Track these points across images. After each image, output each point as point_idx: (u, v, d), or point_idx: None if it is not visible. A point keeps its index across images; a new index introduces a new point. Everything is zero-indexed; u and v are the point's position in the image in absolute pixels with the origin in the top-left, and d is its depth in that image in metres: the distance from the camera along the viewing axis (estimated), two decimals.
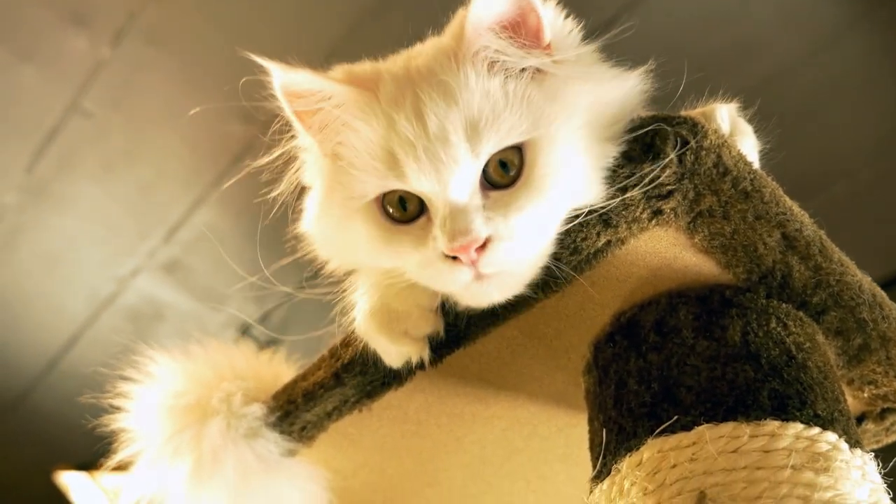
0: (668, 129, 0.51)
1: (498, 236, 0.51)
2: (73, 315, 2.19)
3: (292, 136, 0.61)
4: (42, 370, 2.33)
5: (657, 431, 0.51)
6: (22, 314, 2.20)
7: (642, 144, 0.51)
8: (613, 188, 0.52)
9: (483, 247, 0.51)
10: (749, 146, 0.57)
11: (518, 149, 0.52)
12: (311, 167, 0.60)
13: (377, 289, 0.58)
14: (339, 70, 0.58)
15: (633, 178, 0.51)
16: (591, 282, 0.57)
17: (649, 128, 0.51)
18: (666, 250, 0.56)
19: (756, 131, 0.61)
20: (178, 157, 1.87)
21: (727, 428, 0.49)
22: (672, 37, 1.62)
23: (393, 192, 0.54)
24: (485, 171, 0.52)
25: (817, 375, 0.54)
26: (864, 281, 0.58)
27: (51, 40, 1.65)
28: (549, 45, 0.54)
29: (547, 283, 0.56)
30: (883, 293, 0.60)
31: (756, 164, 0.56)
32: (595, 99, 0.53)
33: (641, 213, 0.52)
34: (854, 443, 0.51)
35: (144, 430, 0.69)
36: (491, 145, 0.51)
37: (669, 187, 0.51)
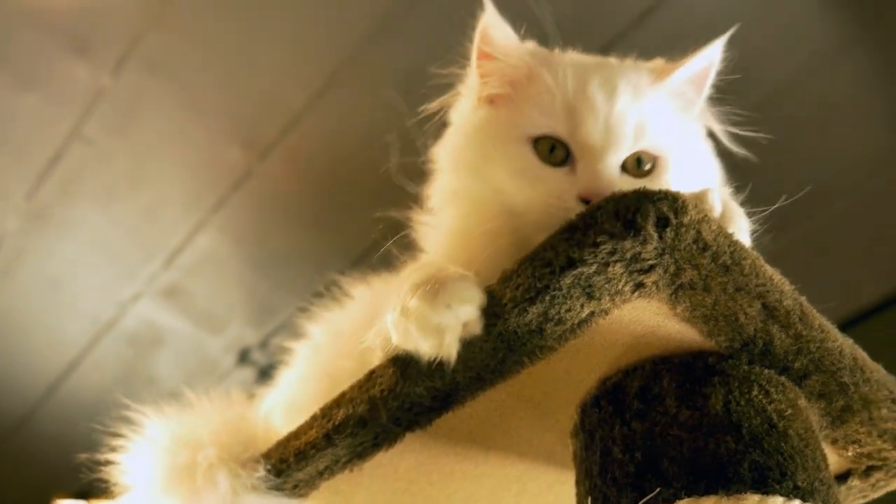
0: (649, 205, 0.52)
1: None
2: (74, 340, 2.20)
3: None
4: (42, 395, 2.34)
5: (640, 503, 0.52)
6: (22, 339, 2.22)
7: (624, 221, 0.52)
8: (596, 263, 0.53)
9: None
10: (741, 228, 0.59)
11: (654, 157, 0.65)
12: (465, 100, 0.72)
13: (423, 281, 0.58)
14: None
15: (615, 255, 0.52)
16: (577, 348, 0.58)
17: (630, 204, 0.52)
18: (649, 319, 0.56)
19: (743, 206, 0.61)
20: (179, 183, 1.88)
21: (708, 502, 0.50)
22: (669, 58, 1.63)
23: (549, 138, 0.64)
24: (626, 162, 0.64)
25: (798, 444, 0.54)
26: (845, 345, 0.59)
27: (52, 68, 1.67)
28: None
29: (532, 351, 0.57)
30: (864, 356, 0.61)
31: (748, 245, 0.57)
32: (704, 149, 0.70)
33: (624, 286, 0.53)
34: None
35: (143, 485, 0.70)
36: (643, 145, 0.64)
37: (651, 262, 0.52)
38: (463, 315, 0.56)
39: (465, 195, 0.69)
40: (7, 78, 1.69)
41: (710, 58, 0.70)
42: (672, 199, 0.52)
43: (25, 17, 1.61)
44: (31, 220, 1.95)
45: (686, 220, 0.52)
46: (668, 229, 0.52)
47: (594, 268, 0.53)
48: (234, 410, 0.75)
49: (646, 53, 1.66)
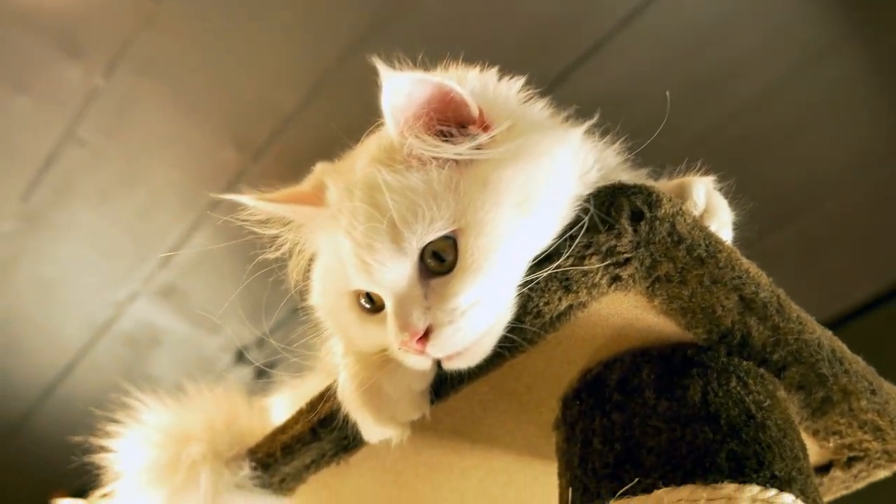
0: (624, 199, 0.52)
1: (438, 323, 0.53)
2: (70, 341, 2.20)
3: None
4: (39, 397, 2.34)
5: (619, 493, 0.52)
6: (19, 341, 2.22)
7: (598, 215, 0.53)
8: (572, 256, 0.53)
9: (426, 336, 0.53)
10: (724, 220, 0.59)
11: (452, 238, 0.54)
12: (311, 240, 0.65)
13: (365, 364, 0.59)
14: (289, 190, 0.64)
15: (591, 248, 0.52)
16: (557, 341, 0.59)
17: (605, 198, 0.53)
18: (627, 312, 0.57)
19: (729, 200, 0.61)
20: (173, 184, 1.88)
21: (685, 492, 0.50)
22: (657, 59, 1.63)
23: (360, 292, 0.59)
24: (426, 262, 0.54)
25: (776, 434, 0.55)
26: (824, 337, 0.60)
27: (45, 71, 1.68)
28: (481, 118, 0.55)
29: (514, 345, 0.58)
30: (843, 347, 0.61)
31: (729, 238, 0.58)
32: (528, 177, 0.54)
33: (601, 279, 0.54)
34: (812, 502, 0.52)
35: (129, 476, 0.71)
36: (415, 242, 0.54)
37: (626, 255, 0.53)
38: (409, 418, 0.58)
39: None
40: None
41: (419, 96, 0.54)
42: (647, 192, 0.53)
43: (17, 19, 1.61)
44: (27, 222, 1.95)
45: (660, 213, 0.52)
46: (642, 223, 0.52)
47: (570, 261, 0.53)
48: (230, 405, 0.76)
49: (634, 54, 1.66)
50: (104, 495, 0.74)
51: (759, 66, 1.64)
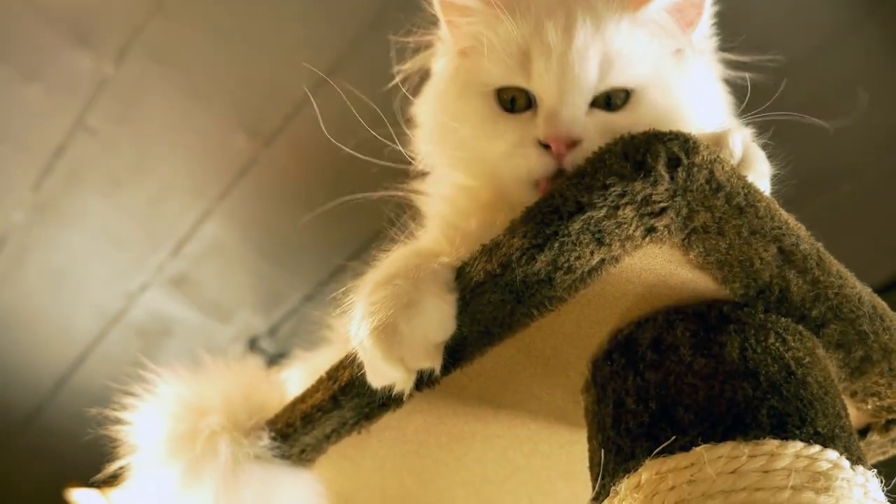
0: (660, 145, 0.50)
1: (590, 141, 0.57)
2: (82, 332, 2.20)
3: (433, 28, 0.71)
4: (52, 387, 2.34)
5: (655, 452, 0.50)
6: (31, 332, 2.22)
7: (633, 162, 0.50)
8: (605, 206, 0.51)
9: (573, 145, 0.58)
10: (762, 171, 0.57)
11: (628, 91, 0.61)
12: (441, 57, 0.69)
13: (384, 304, 0.57)
14: None
15: (625, 197, 0.50)
16: (587, 300, 0.57)
17: (640, 145, 0.51)
18: (661, 267, 0.55)
19: (769, 156, 0.60)
20: (184, 172, 1.88)
21: (725, 448, 0.48)
22: None
23: (510, 88, 0.62)
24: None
25: (817, 391, 0.53)
26: (864, 292, 0.57)
27: (55, 59, 1.67)
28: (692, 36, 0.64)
29: (542, 302, 0.56)
30: (883, 304, 0.59)
31: (767, 191, 0.56)
32: (698, 86, 0.64)
33: (635, 231, 0.52)
34: (856, 460, 0.50)
35: (147, 448, 0.69)
36: (612, 80, 0.60)
37: (662, 205, 0.51)
38: (418, 365, 0.56)
39: (446, 155, 0.67)
40: (9, 69, 1.68)
41: None
42: (683, 139, 0.51)
43: (27, 8, 1.60)
44: (38, 212, 1.95)
45: (698, 160, 0.50)
46: (679, 169, 0.50)
47: (604, 212, 0.51)
48: (248, 377, 0.74)
49: None
50: (119, 471, 0.72)
51: (780, 45, 1.62)
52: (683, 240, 0.52)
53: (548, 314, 0.57)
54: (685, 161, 0.50)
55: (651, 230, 0.52)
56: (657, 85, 0.61)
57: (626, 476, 0.51)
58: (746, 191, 0.52)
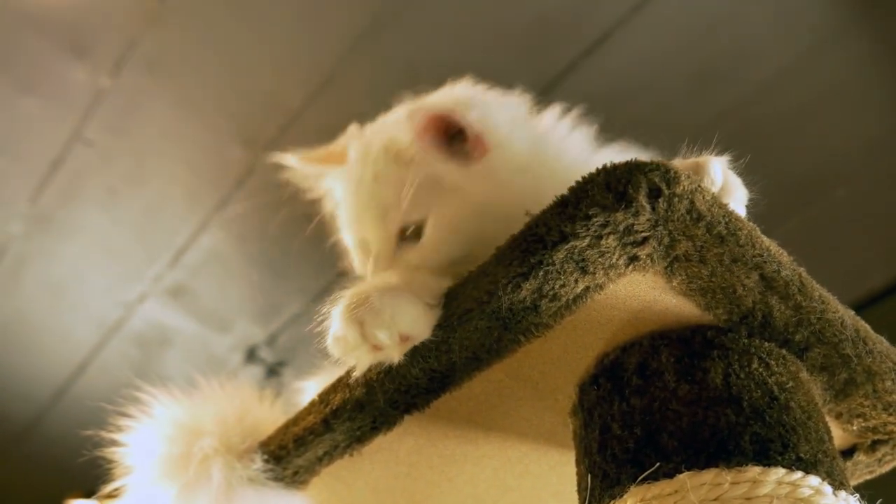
0: (641, 176, 0.51)
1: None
2: (81, 342, 2.21)
3: None
4: (51, 398, 2.35)
5: (640, 479, 0.51)
6: (30, 343, 2.22)
7: (615, 193, 0.51)
8: (588, 236, 0.52)
9: None
10: (740, 198, 0.59)
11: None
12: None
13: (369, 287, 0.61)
14: (324, 150, 0.79)
15: (608, 227, 0.51)
16: (573, 325, 0.58)
17: (621, 175, 0.52)
18: (645, 294, 0.56)
19: (739, 171, 0.61)
20: (181, 183, 1.88)
21: (709, 475, 0.49)
22: (666, 47, 1.62)
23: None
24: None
25: (800, 416, 0.54)
26: (847, 316, 0.58)
27: (51, 71, 1.68)
28: (480, 144, 0.67)
29: (528, 329, 0.57)
30: (866, 326, 0.60)
31: (743, 215, 0.56)
32: (494, 187, 0.67)
33: (618, 260, 0.53)
34: (838, 485, 0.51)
35: (141, 469, 0.70)
36: (393, 222, 0.68)
37: (644, 234, 0.51)
38: (374, 332, 0.57)
39: None
40: (6, 82, 1.69)
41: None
42: (664, 169, 0.51)
43: (23, 20, 1.61)
44: (35, 223, 1.96)
45: (679, 190, 0.51)
46: (660, 200, 0.51)
47: (587, 241, 0.52)
48: (241, 399, 0.75)
49: (643, 42, 1.64)
50: (116, 489, 0.73)
51: (767, 53, 1.63)
52: (666, 268, 0.53)
53: (535, 340, 0.57)
54: (666, 192, 0.51)
55: (634, 259, 0.53)
56: (434, 210, 0.68)
57: (612, 502, 0.52)
58: (727, 219, 0.53)
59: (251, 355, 2.21)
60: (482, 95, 0.72)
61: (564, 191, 0.54)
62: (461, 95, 0.71)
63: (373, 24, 1.56)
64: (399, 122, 0.70)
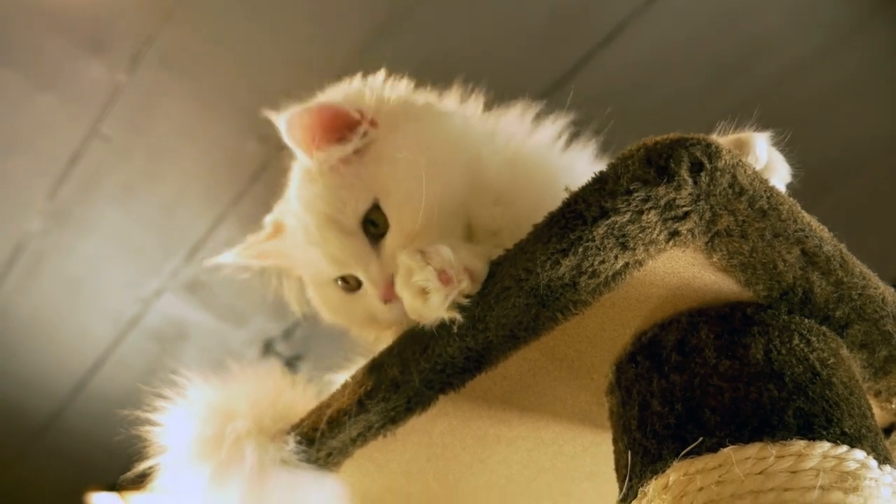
0: (682, 150, 0.51)
1: (392, 270, 0.65)
2: (99, 337, 2.22)
3: None
4: (70, 393, 2.36)
5: (683, 453, 0.51)
6: (48, 338, 2.24)
7: (657, 167, 0.51)
8: (629, 211, 0.52)
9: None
10: (783, 175, 0.59)
11: (379, 207, 0.68)
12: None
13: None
14: (255, 238, 0.81)
15: (649, 202, 0.51)
16: (611, 303, 0.57)
17: (663, 150, 0.51)
18: (685, 270, 0.55)
19: (776, 144, 0.60)
20: (198, 178, 1.89)
21: (753, 449, 0.49)
22: (682, 39, 1.61)
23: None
24: (369, 232, 0.68)
25: (843, 391, 0.53)
26: (888, 293, 0.58)
27: (68, 68, 1.69)
28: (363, 117, 0.69)
29: (566, 306, 0.57)
30: None
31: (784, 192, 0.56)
32: (416, 142, 0.68)
33: (658, 235, 0.52)
34: (883, 459, 0.51)
35: (174, 450, 0.70)
36: (352, 224, 0.68)
37: (685, 209, 0.51)
38: (438, 256, 0.59)
39: None
40: (23, 79, 1.70)
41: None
42: (706, 143, 0.51)
43: (40, 18, 1.62)
44: (53, 220, 1.97)
45: (720, 164, 0.51)
46: (702, 174, 0.50)
47: (627, 216, 0.52)
48: (274, 382, 0.75)
49: (658, 35, 1.63)
50: (138, 480, 0.73)
51: (785, 45, 1.62)
52: (707, 243, 0.53)
53: (572, 318, 0.57)
54: (708, 165, 0.50)
55: (674, 234, 0.52)
56: (377, 186, 0.69)
57: (654, 477, 0.52)
58: (769, 194, 0.52)
59: (267, 349, 2.21)
60: (355, 84, 0.73)
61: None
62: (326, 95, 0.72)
63: (387, 21, 1.57)
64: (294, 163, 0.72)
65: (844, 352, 0.57)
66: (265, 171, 1.85)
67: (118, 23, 1.63)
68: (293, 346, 2.19)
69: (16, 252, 2.04)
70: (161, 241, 2.02)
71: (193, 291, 2.12)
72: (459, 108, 0.76)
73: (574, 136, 0.76)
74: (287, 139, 0.68)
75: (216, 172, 1.89)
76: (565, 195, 0.56)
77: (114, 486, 2.24)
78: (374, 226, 0.68)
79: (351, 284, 0.72)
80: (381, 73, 0.74)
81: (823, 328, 0.57)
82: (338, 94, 0.71)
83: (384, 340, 0.70)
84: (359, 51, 1.61)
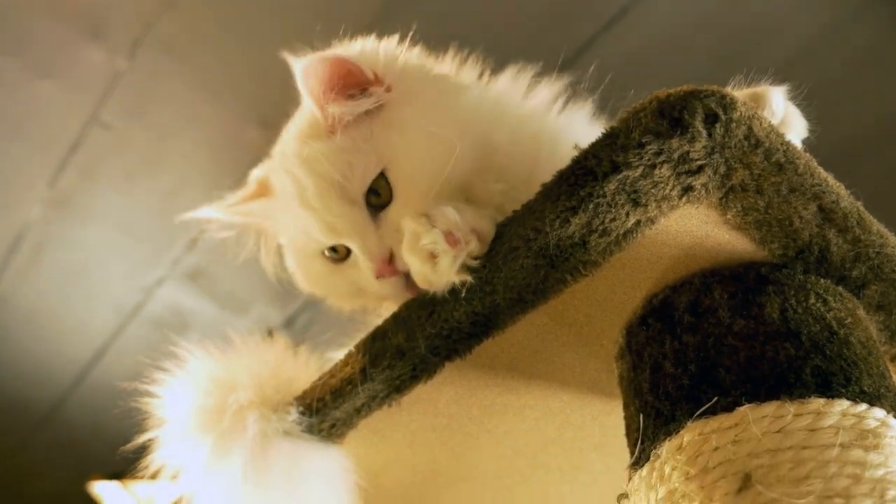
0: (697, 101, 0.49)
1: (393, 244, 0.63)
2: (100, 326, 2.21)
3: None
4: (72, 382, 2.35)
5: (697, 413, 0.49)
6: (49, 327, 2.23)
7: (670, 119, 0.49)
8: (641, 165, 0.50)
9: (392, 258, 0.63)
10: (800, 130, 0.58)
11: (384, 176, 0.64)
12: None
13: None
14: (239, 195, 0.76)
15: (661, 156, 0.49)
16: (621, 264, 0.56)
17: (676, 102, 0.50)
18: (697, 228, 0.54)
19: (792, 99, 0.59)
20: (198, 164, 1.87)
21: (770, 407, 0.47)
22: (687, 20, 1.60)
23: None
24: (369, 201, 0.65)
25: (861, 351, 0.52)
26: None
27: (68, 54, 1.67)
28: (377, 79, 0.66)
29: (576, 267, 0.55)
30: None
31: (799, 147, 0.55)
32: (432, 114, 0.65)
33: (671, 191, 0.51)
34: None
35: (174, 421, 0.69)
36: (356, 191, 0.64)
37: (699, 162, 0.50)
38: (444, 216, 0.58)
39: None
40: (23, 65, 1.69)
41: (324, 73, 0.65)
42: (720, 95, 0.50)
43: (38, 3, 1.60)
44: (54, 207, 1.95)
45: (736, 115, 0.49)
46: (717, 125, 0.49)
47: (640, 171, 0.50)
48: (276, 353, 0.74)
49: (664, 16, 1.62)
50: (142, 470, 0.72)
51: (792, 26, 1.60)
52: (721, 199, 0.51)
53: (581, 280, 0.56)
54: (723, 117, 0.49)
55: (688, 189, 0.51)
56: (387, 153, 0.65)
57: (668, 439, 0.50)
58: (785, 147, 0.51)
59: (269, 337, 2.20)
60: (370, 44, 0.70)
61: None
62: (342, 49, 0.69)
63: (389, 3, 1.55)
64: (300, 110, 0.68)
65: (861, 312, 0.56)
66: (266, 157, 1.84)
67: (118, 9, 1.62)
68: (294, 334, 2.18)
69: (16, 241, 2.03)
70: (162, 229, 2.01)
71: (195, 280, 2.11)
72: (476, 82, 0.72)
73: (569, 99, 0.74)
74: (301, 86, 0.65)
75: (218, 159, 1.87)
76: (574, 153, 0.54)
77: (116, 475, 2.23)
78: (375, 195, 0.65)
79: (340, 254, 0.69)
80: (395, 38, 0.70)
81: (840, 288, 0.56)
82: (353, 50, 0.68)
83: (381, 314, 0.69)
84: (361, 34, 1.59)
